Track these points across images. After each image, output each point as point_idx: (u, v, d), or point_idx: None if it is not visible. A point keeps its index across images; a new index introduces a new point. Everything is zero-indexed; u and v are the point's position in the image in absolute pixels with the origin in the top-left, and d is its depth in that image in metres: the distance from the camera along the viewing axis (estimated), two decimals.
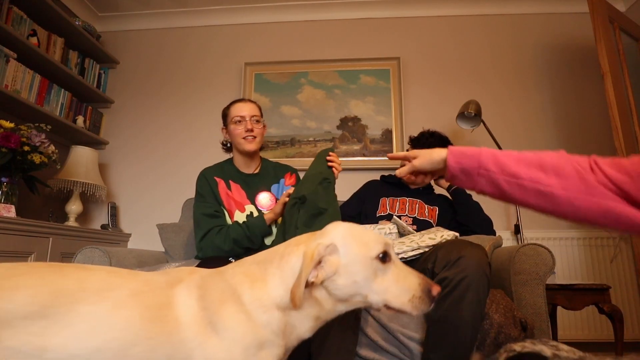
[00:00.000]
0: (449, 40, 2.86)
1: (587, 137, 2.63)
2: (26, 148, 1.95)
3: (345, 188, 2.19)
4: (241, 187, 1.68)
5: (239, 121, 1.67)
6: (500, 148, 2.38)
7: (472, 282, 1.19)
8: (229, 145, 1.80)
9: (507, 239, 2.45)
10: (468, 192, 1.96)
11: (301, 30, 2.97)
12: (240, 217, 1.62)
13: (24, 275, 0.65)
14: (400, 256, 1.44)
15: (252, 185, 1.69)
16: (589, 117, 2.66)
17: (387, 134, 2.73)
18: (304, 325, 0.76)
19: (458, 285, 1.18)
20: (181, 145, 2.85)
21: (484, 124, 2.37)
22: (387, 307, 0.76)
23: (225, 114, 1.74)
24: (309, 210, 1.40)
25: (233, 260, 1.52)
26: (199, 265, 1.29)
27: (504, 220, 2.54)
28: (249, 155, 1.71)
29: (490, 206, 2.17)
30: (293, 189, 1.52)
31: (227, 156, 1.85)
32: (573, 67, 2.74)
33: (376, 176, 2.19)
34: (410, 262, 1.44)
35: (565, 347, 0.66)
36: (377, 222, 1.82)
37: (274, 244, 1.47)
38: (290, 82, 2.86)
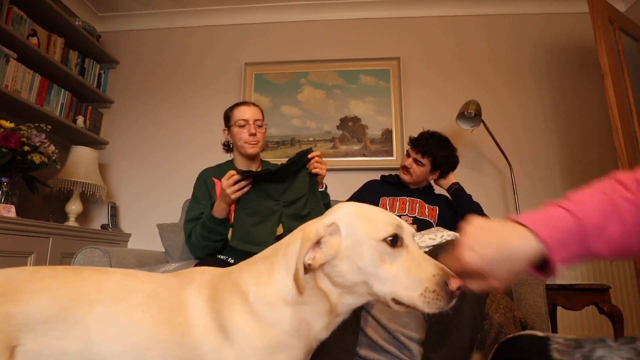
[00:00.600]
0: (449, 40, 2.86)
1: (587, 137, 2.63)
2: (26, 148, 1.95)
3: (345, 188, 2.20)
4: None
5: (242, 125, 1.68)
6: (500, 148, 2.38)
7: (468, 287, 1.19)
8: (230, 145, 1.80)
9: None
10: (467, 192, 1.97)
11: (301, 30, 2.97)
12: None
13: (45, 278, 0.65)
14: None
15: None
16: (589, 117, 2.66)
17: (387, 134, 2.73)
18: (317, 322, 0.70)
19: None
20: (181, 145, 2.85)
21: (484, 124, 2.37)
22: (396, 301, 0.66)
23: (228, 116, 1.75)
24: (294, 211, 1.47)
25: (232, 260, 1.52)
26: (197, 265, 1.29)
27: None
28: (250, 157, 1.72)
29: (490, 206, 2.17)
30: (234, 172, 1.46)
31: (227, 156, 1.86)
32: (573, 67, 2.74)
33: (376, 176, 2.19)
34: None
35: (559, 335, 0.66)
36: None
37: (234, 231, 1.49)
38: (290, 82, 2.86)
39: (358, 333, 1.25)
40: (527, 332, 0.69)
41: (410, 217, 1.87)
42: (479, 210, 1.92)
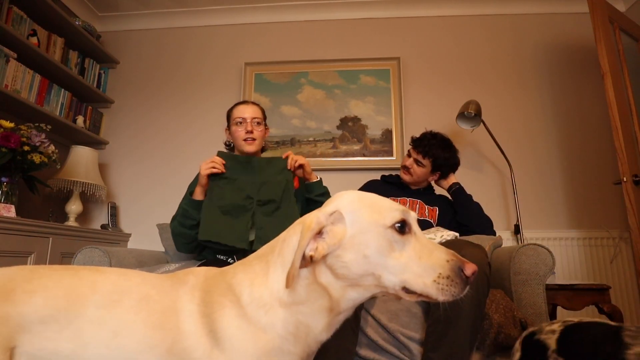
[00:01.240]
0: (449, 41, 2.86)
1: (587, 137, 2.63)
2: (26, 148, 1.95)
3: (345, 188, 2.18)
4: None
5: (240, 123, 1.69)
6: (500, 148, 2.38)
7: (472, 282, 1.19)
8: (231, 145, 1.81)
9: (507, 239, 2.44)
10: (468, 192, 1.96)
11: (301, 30, 2.97)
12: None
13: (42, 278, 0.64)
14: None
15: None
16: (589, 117, 2.66)
17: (387, 134, 2.73)
18: (317, 323, 0.65)
19: None
20: (181, 145, 2.85)
21: (484, 124, 2.37)
22: (407, 290, 0.62)
23: (228, 115, 1.78)
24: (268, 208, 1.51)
25: (232, 261, 1.52)
26: (199, 266, 1.29)
27: (504, 220, 2.54)
28: (250, 154, 1.73)
29: (490, 206, 2.17)
30: (219, 157, 1.55)
31: None
32: (573, 67, 2.74)
33: (376, 176, 2.19)
34: None
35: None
36: None
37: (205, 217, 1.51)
38: (290, 82, 2.86)
39: (358, 333, 1.25)
40: (597, 320, 0.74)
41: None
42: (479, 211, 1.92)
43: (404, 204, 1.92)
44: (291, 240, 0.67)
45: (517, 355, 0.97)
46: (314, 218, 0.64)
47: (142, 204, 2.78)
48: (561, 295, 1.85)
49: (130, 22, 3.09)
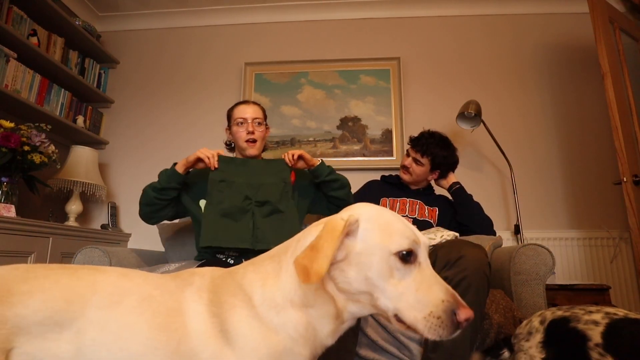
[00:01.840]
0: (449, 41, 2.86)
1: (587, 137, 2.63)
2: (26, 148, 1.95)
3: None
4: None
5: (241, 123, 1.69)
6: (500, 148, 2.38)
7: (472, 282, 1.19)
8: (232, 145, 1.82)
9: (507, 239, 2.44)
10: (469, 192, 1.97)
11: (301, 30, 2.97)
12: None
13: (39, 278, 0.63)
14: None
15: None
16: (589, 117, 2.66)
17: (387, 134, 2.73)
18: (324, 327, 0.67)
19: (458, 286, 1.18)
20: (181, 145, 2.85)
21: (484, 124, 2.37)
22: (398, 319, 0.63)
23: (229, 115, 1.77)
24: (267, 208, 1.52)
25: (232, 261, 1.52)
26: (200, 267, 1.29)
27: (504, 221, 2.54)
28: (251, 157, 1.73)
29: (490, 206, 2.17)
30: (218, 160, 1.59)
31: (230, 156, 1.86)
32: (573, 67, 2.74)
33: (376, 176, 2.19)
34: None
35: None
36: None
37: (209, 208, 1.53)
38: (290, 82, 2.86)
39: (358, 333, 1.25)
40: (633, 315, 0.71)
41: (410, 218, 1.87)
42: (479, 211, 1.92)
43: (405, 204, 1.92)
44: (306, 241, 0.66)
45: (539, 336, 0.89)
46: (340, 221, 0.64)
47: None
48: (561, 295, 1.85)
49: (130, 22, 3.09)
